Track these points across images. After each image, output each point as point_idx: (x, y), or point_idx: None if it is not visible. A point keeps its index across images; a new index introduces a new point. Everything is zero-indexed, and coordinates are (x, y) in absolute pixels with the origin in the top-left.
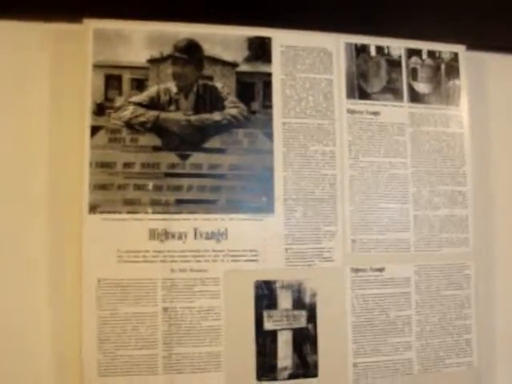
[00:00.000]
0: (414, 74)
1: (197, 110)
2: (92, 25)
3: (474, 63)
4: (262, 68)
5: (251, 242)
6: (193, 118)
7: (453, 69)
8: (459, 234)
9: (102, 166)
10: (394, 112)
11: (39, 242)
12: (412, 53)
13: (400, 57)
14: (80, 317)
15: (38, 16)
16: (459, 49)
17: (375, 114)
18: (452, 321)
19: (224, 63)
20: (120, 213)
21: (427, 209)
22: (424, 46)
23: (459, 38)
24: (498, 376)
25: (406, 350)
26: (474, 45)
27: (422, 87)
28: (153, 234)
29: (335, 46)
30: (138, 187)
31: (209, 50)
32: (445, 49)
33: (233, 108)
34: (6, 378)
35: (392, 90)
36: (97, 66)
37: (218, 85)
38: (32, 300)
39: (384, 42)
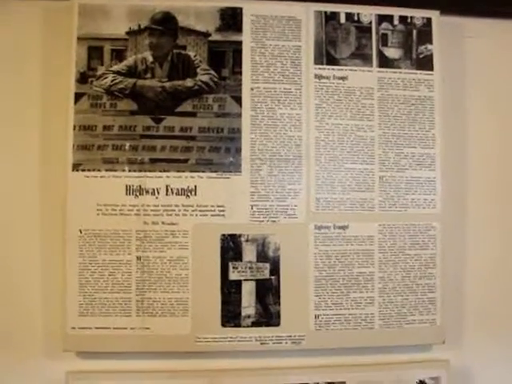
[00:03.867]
0: (384, 39)
1: (171, 77)
2: (77, 0)
3: (448, 28)
4: (233, 37)
5: (219, 199)
6: (167, 84)
7: (425, 34)
8: (426, 195)
9: (85, 128)
10: (362, 77)
11: (28, 196)
12: (383, 19)
13: (370, 23)
14: (64, 263)
15: None
16: (433, 14)
17: (343, 78)
18: (416, 279)
19: (197, 33)
20: (100, 170)
21: (393, 170)
22: (396, 11)
23: (434, 3)
24: (464, 334)
25: (368, 305)
26: (450, 10)
27: (392, 52)
28: (129, 190)
29: (305, 14)
30: (116, 147)
31: (183, 21)
32: (418, 14)
33: (204, 75)
34: None
35: (361, 55)
36: (81, 39)
37: (191, 53)
38: (22, 247)
39: (354, 9)
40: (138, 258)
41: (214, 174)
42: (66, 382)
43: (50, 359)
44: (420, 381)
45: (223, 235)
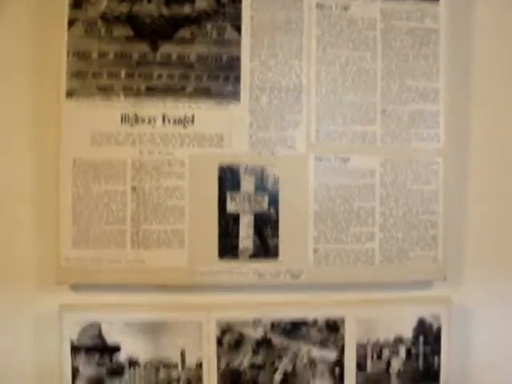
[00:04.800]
0: None
1: (168, 2)
2: None
3: None
4: None
5: (217, 128)
6: (164, 10)
7: None
8: (429, 129)
9: (79, 55)
10: (365, 7)
11: (21, 123)
12: None
13: None
14: (57, 194)
15: None
16: None
17: (345, 8)
18: (418, 215)
19: None
20: (94, 99)
21: (396, 103)
22: None
23: None
24: (465, 272)
25: (369, 240)
26: None
27: None
28: (124, 119)
29: None
30: (112, 75)
31: None
32: None
33: (202, 1)
34: None
35: None
36: None
37: None
38: (14, 177)
39: None
40: (134, 189)
41: (212, 103)
42: (59, 315)
43: (42, 292)
44: (420, 318)
45: (221, 165)
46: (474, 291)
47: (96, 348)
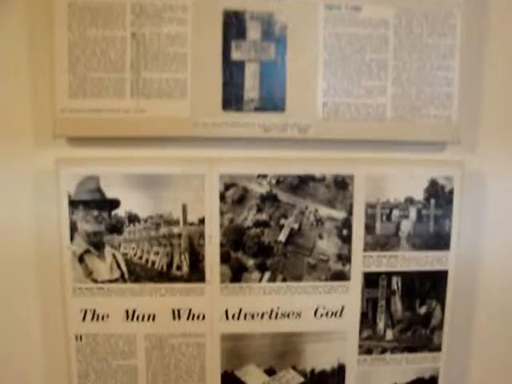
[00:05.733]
0: None
1: None
2: None
3: None
4: None
5: None
6: None
7: None
8: None
9: None
10: None
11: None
12: None
13: None
14: (51, 40)
15: None
16: None
17: None
18: (433, 71)
19: None
20: None
21: None
22: None
23: None
24: (480, 137)
25: (380, 94)
26: None
27: None
28: None
29: None
30: None
31: None
32: None
33: None
34: None
35: None
36: None
37: None
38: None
39: None
40: (133, 35)
41: None
42: (56, 169)
43: (39, 147)
44: (432, 179)
45: (226, 11)
46: (489, 157)
47: (94, 202)
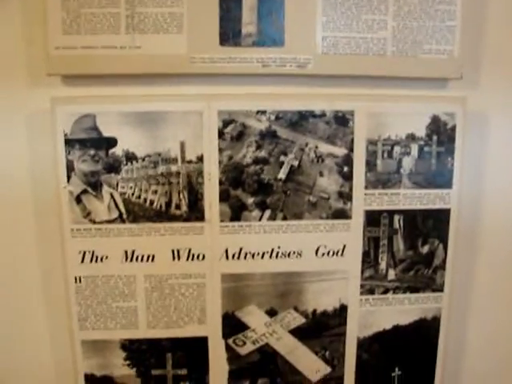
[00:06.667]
0: None
1: None
2: None
3: None
4: None
5: None
6: None
7: None
8: None
9: None
10: None
11: None
12: None
13: None
14: None
15: None
16: None
17: None
18: (434, 4)
19: None
20: None
21: None
22: None
23: None
24: (482, 74)
25: (381, 29)
26: None
27: None
28: None
29: None
30: None
31: None
32: None
33: None
34: None
35: None
36: None
37: None
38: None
39: None
40: None
41: None
42: (52, 108)
43: (33, 86)
44: (434, 115)
45: None
46: (492, 94)
47: (91, 141)
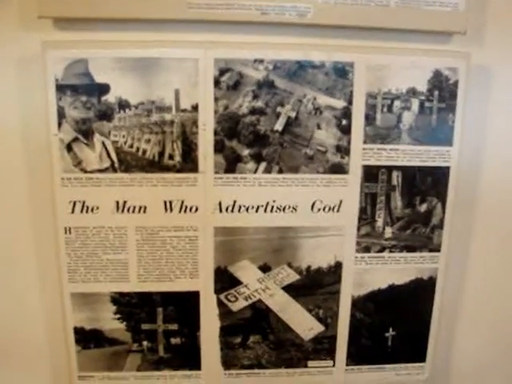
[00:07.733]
0: None
1: None
2: None
3: None
4: None
5: None
6: None
7: None
8: None
9: None
10: None
11: None
12: None
13: None
14: None
15: None
16: None
17: None
18: None
19: None
20: None
21: None
22: None
23: None
24: (488, 26)
25: None
26: None
27: None
28: None
29: None
30: None
31: None
32: None
33: None
34: None
35: None
36: None
37: None
38: None
39: None
40: None
41: None
42: (43, 52)
43: (24, 29)
44: (437, 69)
45: None
46: (497, 50)
47: (83, 87)
